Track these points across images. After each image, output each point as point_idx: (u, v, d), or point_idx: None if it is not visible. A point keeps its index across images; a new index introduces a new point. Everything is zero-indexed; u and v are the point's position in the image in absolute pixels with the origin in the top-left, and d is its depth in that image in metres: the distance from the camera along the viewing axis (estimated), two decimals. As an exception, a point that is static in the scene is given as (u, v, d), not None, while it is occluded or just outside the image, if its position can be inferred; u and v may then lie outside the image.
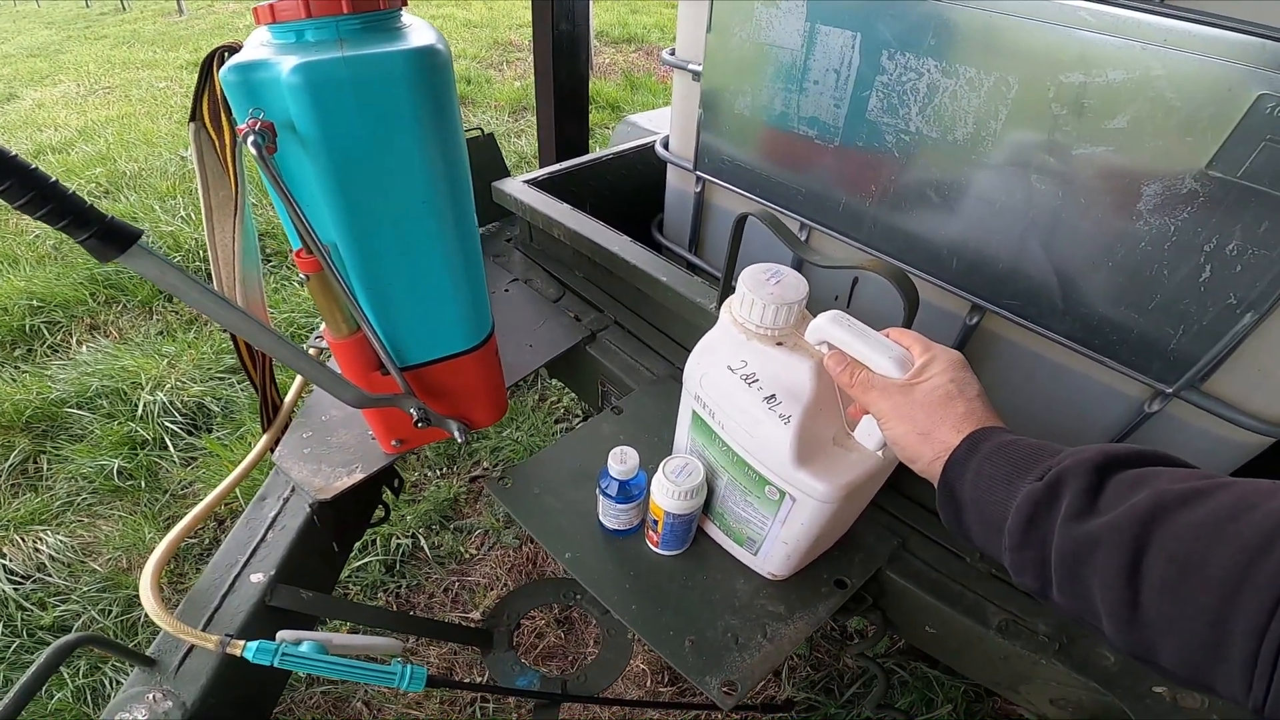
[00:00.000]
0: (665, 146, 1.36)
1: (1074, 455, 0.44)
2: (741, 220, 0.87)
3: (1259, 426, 0.76)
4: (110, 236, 0.45)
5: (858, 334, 0.58)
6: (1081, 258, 0.80)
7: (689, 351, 0.76)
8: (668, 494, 0.75)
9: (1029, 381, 0.97)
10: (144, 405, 2.00)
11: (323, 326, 0.79)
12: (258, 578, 0.85)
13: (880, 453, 0.67)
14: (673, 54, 1.23)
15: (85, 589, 1.59)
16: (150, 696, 0.72)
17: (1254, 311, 0.70)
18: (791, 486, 0.68)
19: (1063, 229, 0.80)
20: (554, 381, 2.17)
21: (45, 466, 1.90)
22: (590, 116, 1.98)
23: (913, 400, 0.54)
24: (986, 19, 0.76)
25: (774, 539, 0.77)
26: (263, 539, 0.89)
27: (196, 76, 0.62)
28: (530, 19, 1.68)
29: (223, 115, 0.64)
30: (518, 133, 4.12)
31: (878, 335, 0.58)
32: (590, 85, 1.93)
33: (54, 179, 0.43)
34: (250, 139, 0.49)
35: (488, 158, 1.37)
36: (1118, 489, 0.41)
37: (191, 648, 0.76)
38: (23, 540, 1.69)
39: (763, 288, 0.63)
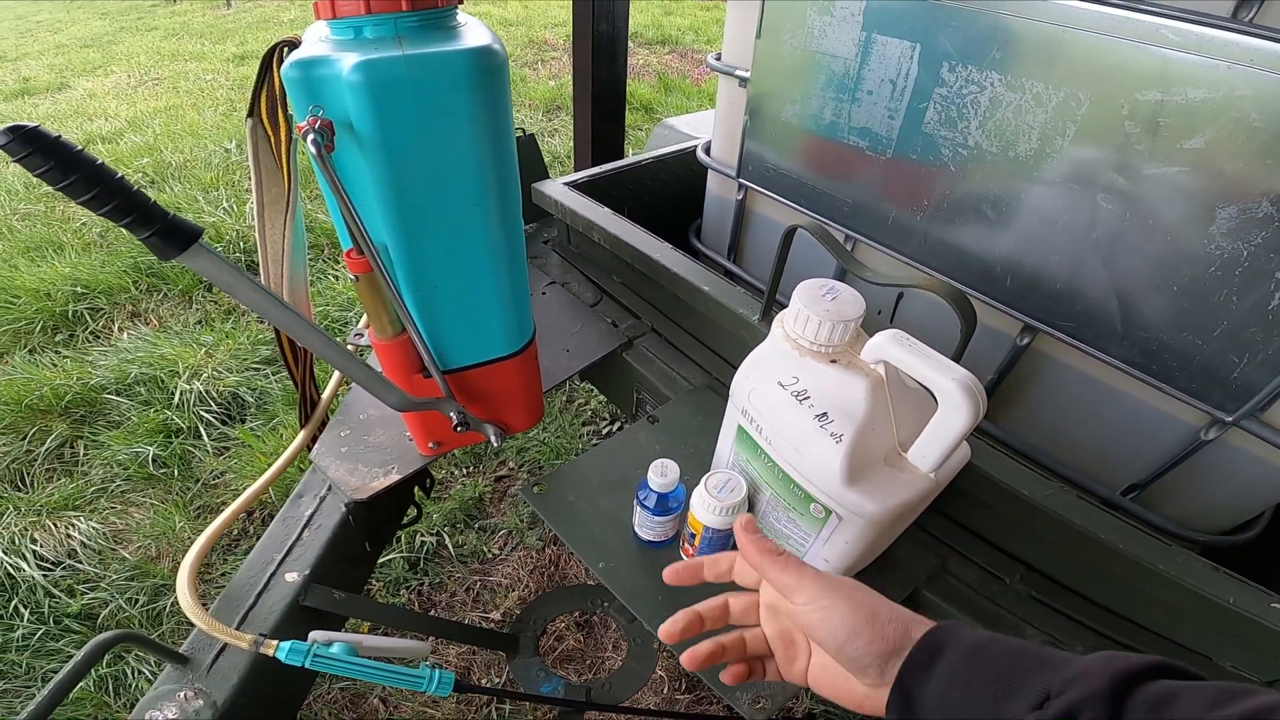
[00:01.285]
0: (707, 152, 1.35)
1: (1077, 679, 0.37)
2: (791, 232, 0.86)
3: (1322, 460, 0.73)
4: (172, 235, 0.44)
5: (920, 355, 0.56)
6: (1145, 280, 0.77)
7: (728, 362, 0.74)
8: (709, 509, 0.74)
9: (1079, 405, 0.94)
10: (180, 394, 2.03)
11: (362, 322, 0.78)
12: (292, 577, 0.84)
13: (933, 474, 0.65)
14: (719, 59, 1.21)
15: (114, 577, 1.60)
16: (182, 695, 0.72)
17: (1325, 343, 0.67)
18: (839, 505, 0.66)
19: (1127, 250, 0.77)
20: (583, 384, 2.17)
21: (82, 452, 1.93)
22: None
23: (848, 583, 0.47)
24: (1057, 34, 0.73)
25: (814, 556, 0.75)
26: (298, 538, 0.89)
27: (256, 72, 0.62)
28: (566, 18, 1.67)
29: (280, 112, 0.64)
30: (551, 132, 4.13)
31: (940, 356, 0.57)
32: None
33: (120, 175, 0.42)
34: (310, 137, 0.49)
35: (529, 158, 1.37)
36: (1140, 717, 0.35)
37: (225, 646, 0.76)
38: (55, 526, 1.71)
39: (818, 303, 0.62)
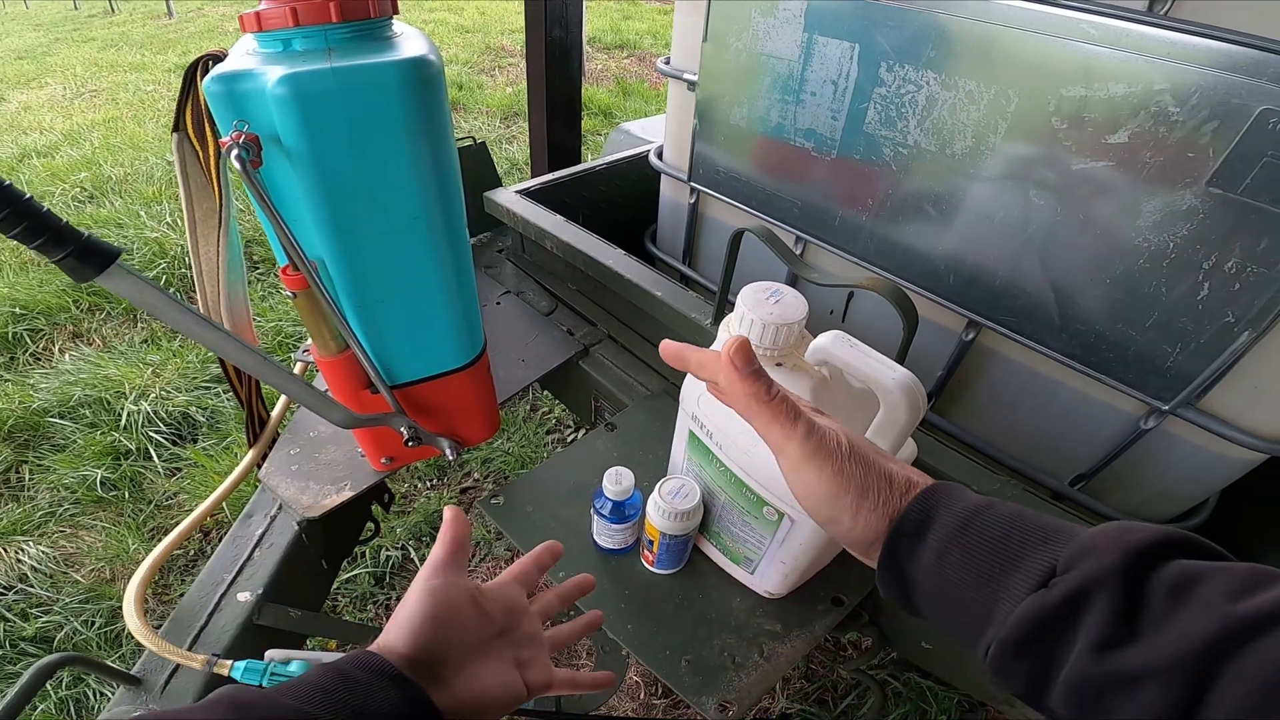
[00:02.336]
0: (659, 157, 1.35)
1: (1087, 554, 0.32)
2: (738, 236, 0.86)
3: (1254, 443, 0.75)
4: (88, 255, 0.43)
5: (860, 355, 0.57)
6: (1079, 274, 0.80)
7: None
8: (664, 515, 0.74)
9: (1024, 397, 0.96)
10: (127, 415, 1.97)
11: (310, 342, 0.77)
12: (245, 596, 0.83)
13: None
14: (668, 63, 1.22)
15: (68, 600, 1.57)
16: (135, 716, 0.71)
17: (1252, 330, 0.69)
18: (790, 508, 0.67)
19: (1060, 244, 0.79)
20: (545, 392, 2.16)
21: (27, 477, 1.87)
22: (582, 123, 1.96)
23: (840, 447, 0.40)
24: (987, 31, 0.75)
25: (772, 558, 0.76)
26: (249, 557, 0.87)
27: (180, 85, 0.61)
28: (522, 25, 1.66)
29: (206, 126, 0.62)
30: (509, 139, 4.11)
31: (880, 356, 0.57)
32: (582, 92, 1.91)
33: (28, 195, 0.41)
34: (234, 152, 0.47)
35: (479, 167, 1.36)
36: (1160, 601, 0.31)
37: (177, 667, 0.75)
38: (4, 551, 1.66)
39: (761, 307, 0.62)
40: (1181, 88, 0.65)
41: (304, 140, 0.53)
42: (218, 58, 0.58)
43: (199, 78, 0.59)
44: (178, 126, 0.63)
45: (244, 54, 0.56)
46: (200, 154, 0.64)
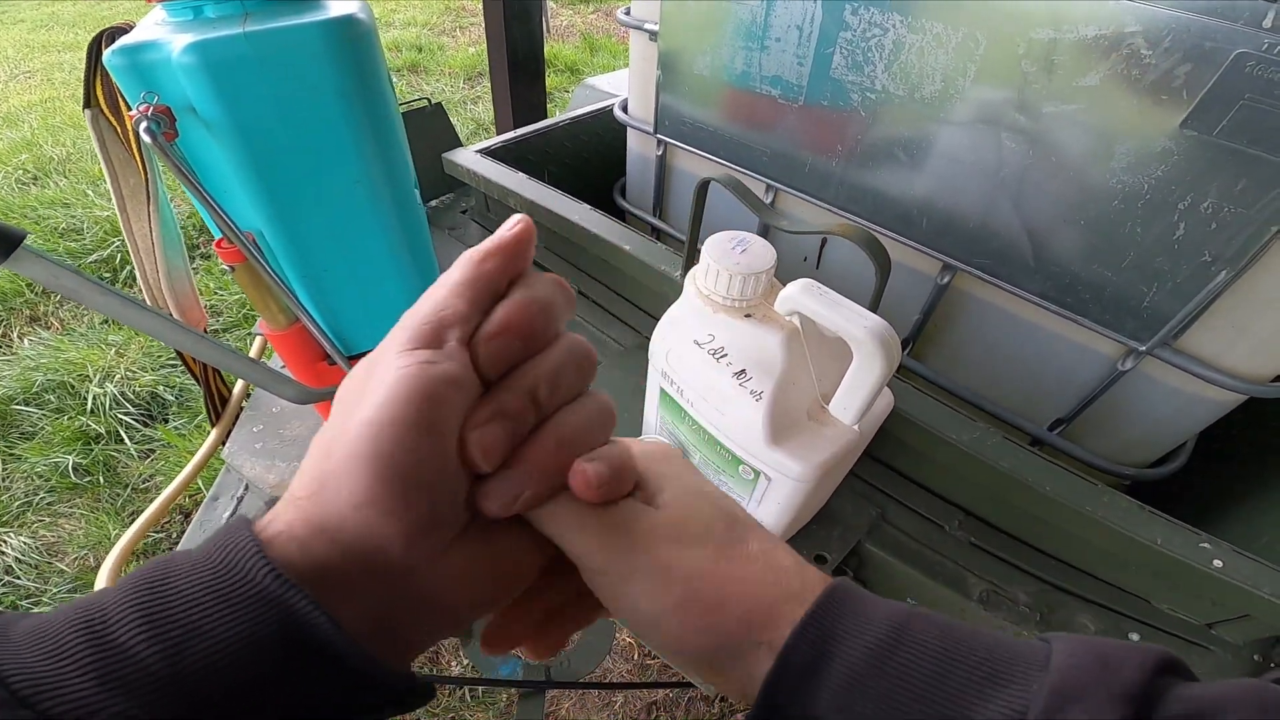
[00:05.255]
0: (624, 110, 1.31)
1: (1068, 699, 0.23)
2: (704, 186, 0.83)
3: (1233, 384, 0.75)
4: (-11, 240, 0.40)
5: (830, 304, 0.55)
6: (1053, 216, 0.78)
7: (657, 321, 0.72)
8: (636, 479, 0.72)
9: (1001, 341, 0.95)
10: (94, 398, 1.93)
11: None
12: (214, 583, 0.81)
13: (857, 426, 0.64)
14: (628, 14, 1.17)
15: (55, 590, 1.56)
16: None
17: (1229, 269, 0.68)
18: (766, 466, 0.66)
19: (1034, 187, 0.77)
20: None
21: (0, 466, 1.83)
22: (549, 80, 1.90)
23: (655, 529, 0.29)
24: (954, -32, 0.71)
25: (750, 519, 0.75)
26: (217, 542, 0.85)
27: (85, 61, 0.56)
28: (479, -21, 1.59)
29: (120, 100, 0.58)
30: (474, 99, 3.98)
31: (851, 304, 0.55)
32: (547, 48, 1.85)
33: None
34: (143, 125, 0.44)
35: (437, 128, 1.30)
36: None
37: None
38: (-14, 542, 1.64)
39: (728, 257, 0.60)
40: (1154, 30, 0.62)
41: (221, 110, 0.50)
42: (122, 30, 0.53)
43: (103, 50, 0.55)
44: (89, 103, 0.58)
45: (152, 25, 0.52)
46: (118, 128, 0.59)
